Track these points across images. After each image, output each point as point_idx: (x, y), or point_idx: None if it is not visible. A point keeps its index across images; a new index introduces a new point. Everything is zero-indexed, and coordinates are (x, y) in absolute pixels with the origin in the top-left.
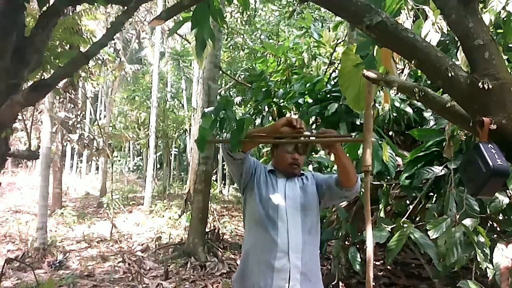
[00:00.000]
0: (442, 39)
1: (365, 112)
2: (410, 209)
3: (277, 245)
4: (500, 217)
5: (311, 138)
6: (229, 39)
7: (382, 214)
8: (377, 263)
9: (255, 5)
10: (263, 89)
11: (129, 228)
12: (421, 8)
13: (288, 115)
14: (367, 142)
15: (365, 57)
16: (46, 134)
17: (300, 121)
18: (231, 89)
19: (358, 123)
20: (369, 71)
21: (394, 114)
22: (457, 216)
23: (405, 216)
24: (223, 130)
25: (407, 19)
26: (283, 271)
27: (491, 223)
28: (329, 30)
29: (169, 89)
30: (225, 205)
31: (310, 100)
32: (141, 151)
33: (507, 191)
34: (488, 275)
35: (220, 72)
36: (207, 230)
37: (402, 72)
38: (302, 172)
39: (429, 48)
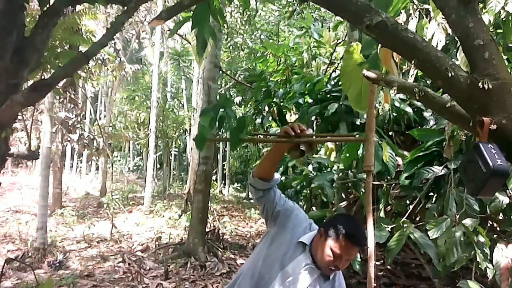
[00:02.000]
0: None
1: (368, 112)
2: (410, 209)
3: None
4: (500, 217)
5: (313, 138)
6: (229, 39)
7: (382, 214)
8: (377, 263)
9: (255, 5)
10: (263, 89)
11: (129, 228)
12: (426, 9)
13: (288, 115)
14: (369, 142)
15: (368, 56)
16: (46, 134)
17: (296, 126)
18: (231, 89)
19: (358, 123)
20: (369, 71)
21: (394, 114)
22: (457, 216)
23: (405, 216)
24: (222, 129)
25: (412, 18)
26: None
27: (491, 223)
28: (329, 30)
29: (169, 89)
30: (225, 205)
31: (310, 100)
32: (141, 151)
33: (507, 191)
34: (488, 275)
35: (220, 72)
36: (207, 230)
37: (408, 72)
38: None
39: (429, 48)
